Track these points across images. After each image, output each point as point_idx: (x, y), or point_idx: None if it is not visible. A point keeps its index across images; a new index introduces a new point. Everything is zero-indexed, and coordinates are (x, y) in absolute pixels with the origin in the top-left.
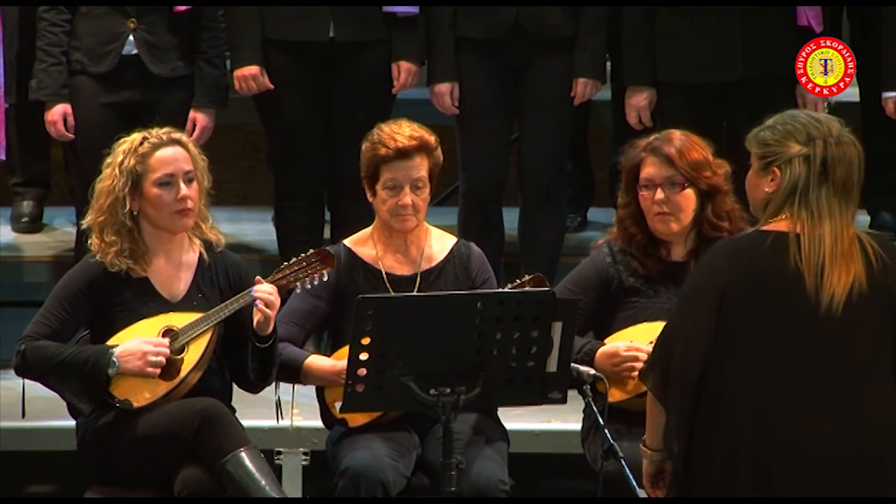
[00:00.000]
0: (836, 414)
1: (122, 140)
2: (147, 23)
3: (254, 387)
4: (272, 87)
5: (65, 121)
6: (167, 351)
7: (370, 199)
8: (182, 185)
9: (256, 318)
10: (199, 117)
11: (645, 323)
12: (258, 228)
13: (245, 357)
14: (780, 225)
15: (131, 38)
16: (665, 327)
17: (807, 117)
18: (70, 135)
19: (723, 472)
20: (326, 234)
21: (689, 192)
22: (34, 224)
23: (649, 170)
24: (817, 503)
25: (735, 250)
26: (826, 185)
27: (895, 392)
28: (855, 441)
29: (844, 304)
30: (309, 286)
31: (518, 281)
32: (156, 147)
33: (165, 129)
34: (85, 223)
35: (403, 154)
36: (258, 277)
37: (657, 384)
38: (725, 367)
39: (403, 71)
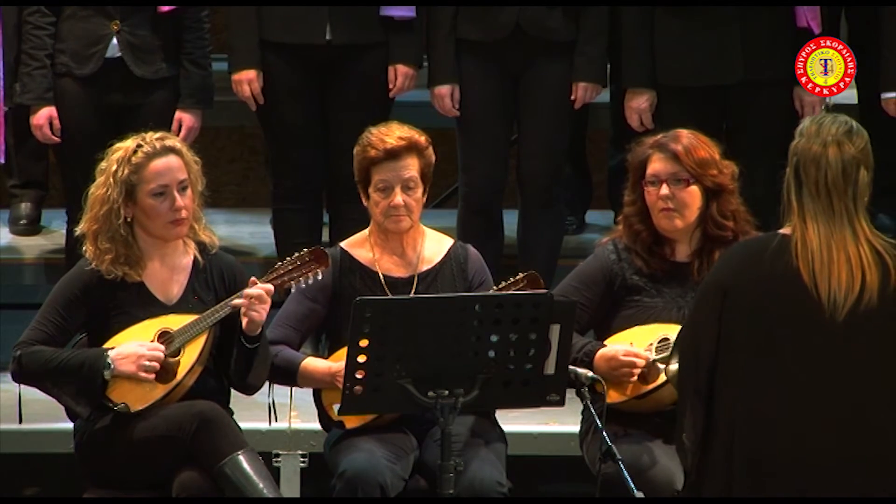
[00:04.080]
0: (833, 417)
1: (115, 147)
2: (130, 24)
3: (240, 387)
4: (262, 100)
5: (51, 124)
6: (161, 356)
7: (364, 203)
8: (176, 194)
9: (245, 319)
10: (185, 118)
11: (645, 325)
12: (256, 231)
13: (231, 357)
14: (789, 227)
15: (115, 40)
16: (682, 326)
17: (816, 117)
18: (56, 138)
19: (722, 472)
20: (325, 236)
21: (695, 189)
22: (32, 226)
23: (655, 166)
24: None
25: (744, 252)
26: (804, 185)
27: (893, 400)
28: (851, 445)
29: (849, 311)
30: (303, 285)
31: (512, 279)
32: (150, 157)
33: (159, 135)
34: (79, 230)
35: (393, 155)
36: (253, 279)
37: (676, 380)
38: (725, 365)
39: (400, 74)
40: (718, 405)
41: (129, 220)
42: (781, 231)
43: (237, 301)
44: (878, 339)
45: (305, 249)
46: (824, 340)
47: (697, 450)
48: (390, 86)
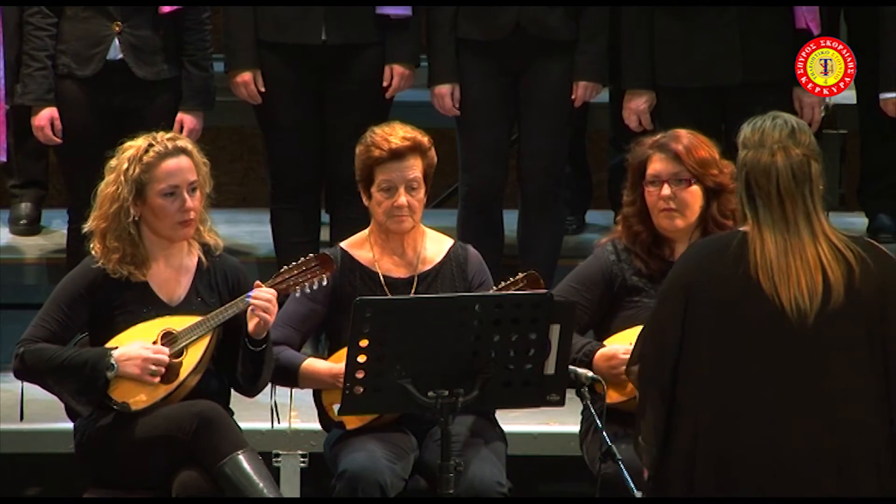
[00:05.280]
0: (809, 416)
1: (127, 145)
2: (132, 25)
3: (247, 390)
4: (260, 99)
5: (52, 125)
6: (166, 359)
7: (365, 203)
8: (186, 195)
9: (253, 322)
10: (186, 119)
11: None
12: (256, 230)
13: (237, 360)
14: (748, 225)
15: (116, 41)
16: (644, 324)
17: (755, 124)
18: (58, 139)
19: (684, 470)
20: (324, 236)
21: (696, 189)
22: (32, 226)
23: (656, 166)
24: (780, 503)
25: (706, 249)
26: (757, 197)
27: (866, 396)
28: (830, 443)
29: (817, 313)
30: (308, 290)
31: (512, 279)
32: (161, 157)
33: (170, 136)
34: (87, 227)
35: (397, 155)
36: (257, 282)
37: (638, 380)
38: (689, 364)
39: (396, 74)
40: (681, 405)
41: (136, 219)
42: (742, 228)
43: (242, 304)
44: (850, 335)
45: (312, 255)
46: (795, 341)
47: (657, 450)
48: (385, 85)
